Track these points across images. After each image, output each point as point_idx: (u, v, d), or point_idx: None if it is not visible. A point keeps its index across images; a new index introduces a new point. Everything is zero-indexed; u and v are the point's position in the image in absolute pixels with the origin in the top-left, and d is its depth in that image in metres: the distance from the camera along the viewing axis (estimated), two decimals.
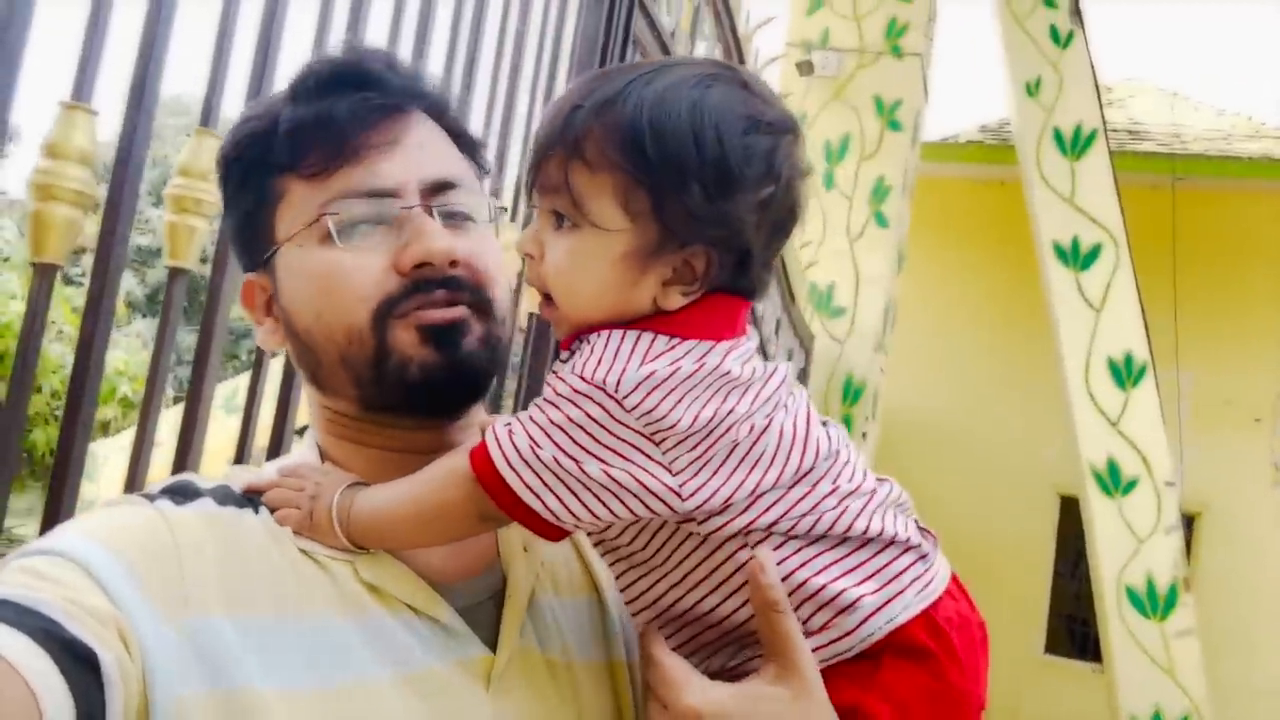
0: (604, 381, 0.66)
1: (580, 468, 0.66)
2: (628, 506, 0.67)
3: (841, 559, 0.71)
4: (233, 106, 1.08)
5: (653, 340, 0.69)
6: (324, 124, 0.74)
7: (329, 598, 0.70)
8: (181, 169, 1.16)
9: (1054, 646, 7.83)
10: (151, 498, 0.70)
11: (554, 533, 0.70)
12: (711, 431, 0.67)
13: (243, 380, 6.25)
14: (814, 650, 0.71)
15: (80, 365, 1.04)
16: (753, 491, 0.69)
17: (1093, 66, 5.80)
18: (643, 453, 0.66)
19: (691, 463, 0.67)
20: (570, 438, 0.67)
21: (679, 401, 0.66)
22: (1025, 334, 7.21)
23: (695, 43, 2.98)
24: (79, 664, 0.56)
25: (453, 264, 0.74)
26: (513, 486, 0.67)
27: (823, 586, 0.70)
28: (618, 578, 0.76)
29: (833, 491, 0.72)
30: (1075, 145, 5.65)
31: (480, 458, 0.69)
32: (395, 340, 0.73)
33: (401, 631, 0.70)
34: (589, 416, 0.66)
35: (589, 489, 0.67)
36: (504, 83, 1.88)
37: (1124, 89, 9.79)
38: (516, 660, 0.74)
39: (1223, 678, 6.12)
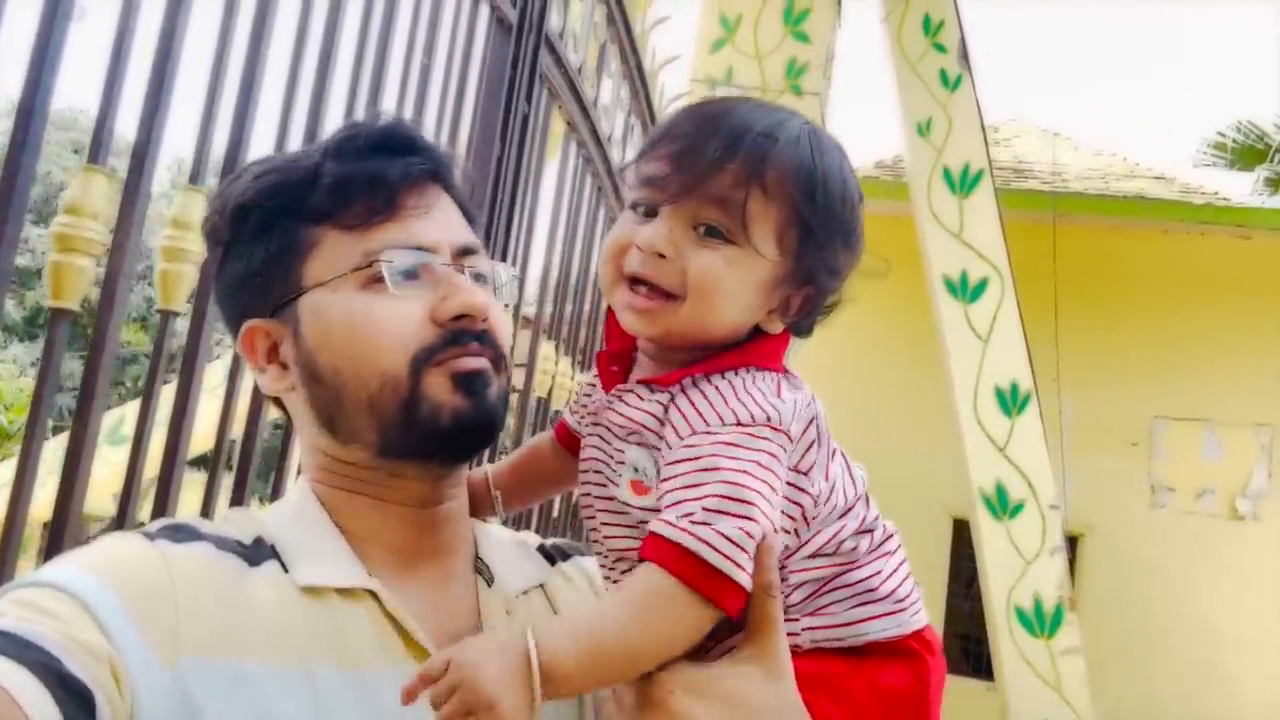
0: (768, 420, 0.72)
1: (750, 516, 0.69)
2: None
3: (891, 570, 0.81)
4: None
5: (762, 376, 0.76)
6: (372, 181, 0.79)
7: (327, 648, 0.70)
8: (172, 221, 1.23)
9: (950, 666, 8.06)
10: (151, 536, 0.72)
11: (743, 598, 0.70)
12: (822, 457, 0.77)
13: (130, 408, 6.00)
14: (824, 635, 0.77)
15: None
16: (842, 505, 0.79)
17: (979, 108, 6.10)
18: (798, 488, 0.75)
19: (821, 493, 0.77)
20: (760, 480, 0.70)
21: (808, 437, 0.76)
22: (917, 361, 7.47)
23: (601, 79, 3.03)
24: (74, 700, 0.57)
25: (484, 319, 0.80)
26: (733, 575, 0.67)
27: (877, 586, 0.79)
28: (602, 528, 0.80)
29: (877, 516, 0.82)
30: (964, 184, 5.92)
31: (709, 581, 0.66)
32: (429, 386, 0.77)
33: (391, 688, 0.68)
34: (770, 454, 0.71)
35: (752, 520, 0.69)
36: (409, 114, 1.87)
37: (1009, 129, 10.31)
38: None
39: (1106, 692, 6.41)
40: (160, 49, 1.21)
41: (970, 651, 8.14)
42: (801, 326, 0.80)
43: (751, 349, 0.76)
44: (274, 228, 0.80)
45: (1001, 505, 5.62)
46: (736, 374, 0.74)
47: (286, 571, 0.73)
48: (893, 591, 0.79)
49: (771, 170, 0.73)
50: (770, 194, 0.73)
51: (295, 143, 1.45)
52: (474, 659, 0.62)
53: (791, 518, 0.74)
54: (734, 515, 0.66)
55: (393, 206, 0.79)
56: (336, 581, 0.74)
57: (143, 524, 0.79)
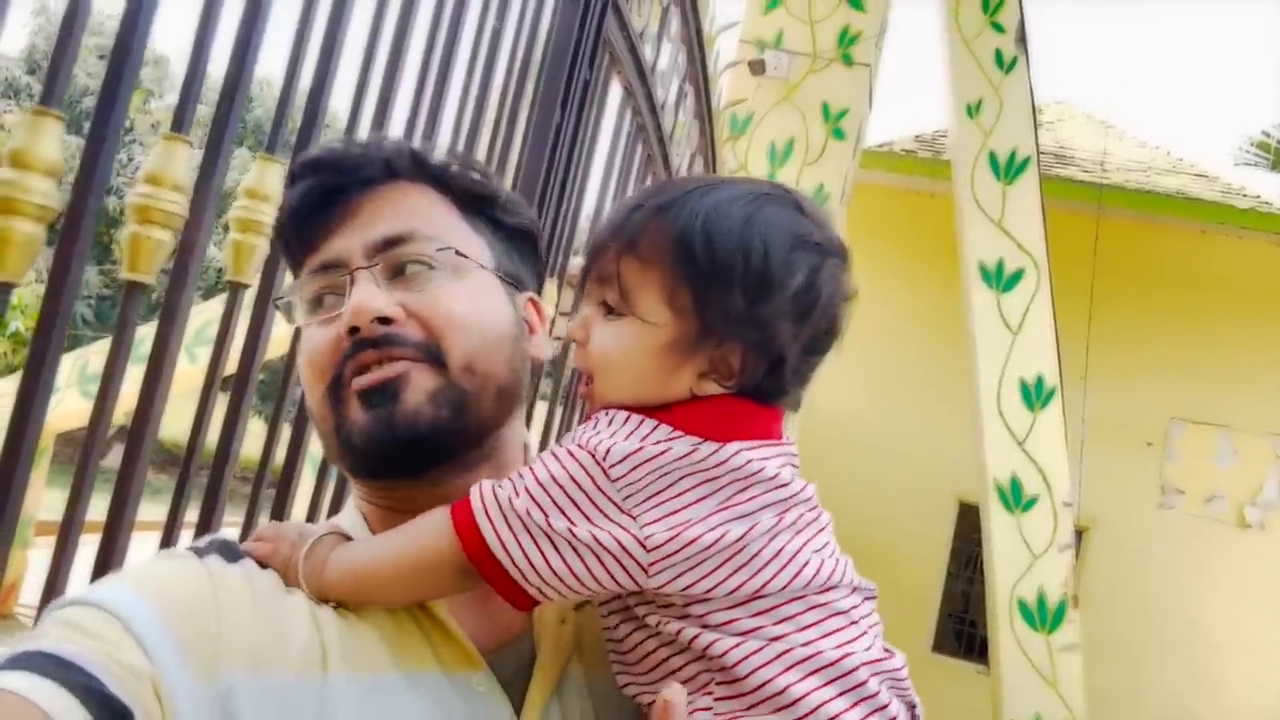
0: (595, 448, 0.69)
1: (548, 520, 0.68)
2: (592, 571, 0.68)
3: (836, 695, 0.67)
4: None
5: (655, 428, 0.71)
6: (292, 215, 0.81)
7: (370, 657, 0.70)
8: (247, 191, 1.20)
9: (940, 645, 8.15)
10: (200, 552, 0.72)
11: (522, 599, 0.70)
12: (693, 515, 0.68)
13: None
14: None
15: None
16: (731, 590, 0.68)
17: (1031, 94, 5.97)
18: (614, 521, 0.68)
19: (665, 542, 0.67)
20: (547, 493, 0.69)
21: (668, 484, 0.68)
22: (940, 343, 7.42)
23: (661, 43, 2.96)
24: None
25: (384, 320, 0.75)
26: (485, 535, 0.69)
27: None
28: (616, 676, 0.76)
29: (816, 624, 0.69)
30: (1009, 170, 5.81)
31: (461, 507, 0.71)
32: (344, 410, 0.76)
33: (437, 692, 0.71)
34: (570, 477, 0.69)
35: (554, 545, 0.68)
36: (477, 81, 1.83)
37: (1054, 111, 10.10)
38: None
39: (1102, 689, 6.47)
40: (247, 12, 1.17)
41: (964, 635, 8.21)
42: (767, 390, 0.74)
43: (678, 409, 0.73)
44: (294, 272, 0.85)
45: (1015, 498, 5.62)
46: (624, 414, 0.73)
47: None
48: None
49: (643, 239, 0.74)
50: (645, 259, 0.74)
51: (369, 111, 1.42)
52: (268, 550, 0.75)
53: (611, 552, 0.68)
54: (515, 492, 0.70)
55: (310, 234, 0.80)
56: None
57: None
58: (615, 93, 2.66)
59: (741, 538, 0.68)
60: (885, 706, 0.68)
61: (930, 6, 6.26)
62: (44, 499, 7.47)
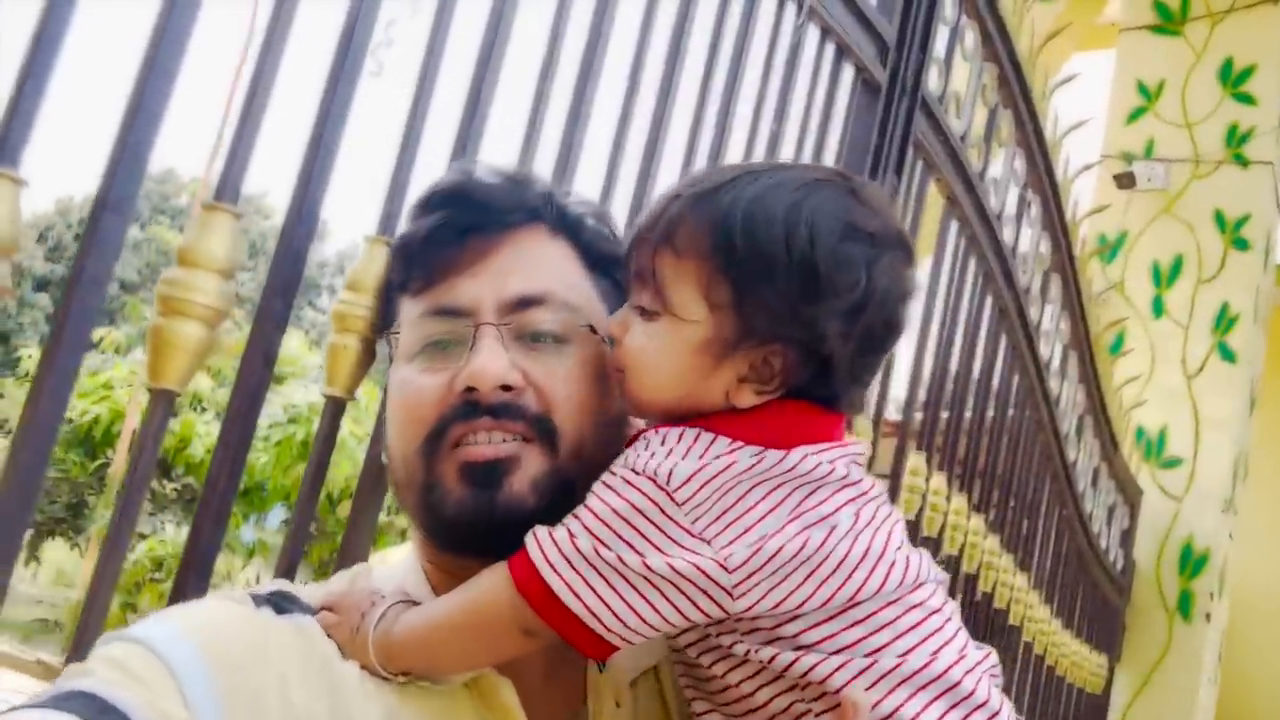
0: (655, 472, 0.65)
1: (620, 559, 0.64)
2: (674, 605, 0.64)
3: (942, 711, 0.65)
4: None
5: (712, 441, 0.67)
6: (420, 243, 0.78)
7: None
8: (351, 282, 1.00)
9: None
10: (259, 601, 0.71)
11: (600, 647, 0.66)
12: (769, 526, 0.64)
13: None
14: None
15: None
16: (825, 600, 0.64)
17: None
18: (688, 548, 0.63)
19: (747, 560, 0.63)
20: (609, 528, 0.65)
21: (737, 498, 0.64)
22: None
23: (990, 147, 2.62)
24: None
25: (506, 389, 0.72)
26: (550, 585, 0.64)
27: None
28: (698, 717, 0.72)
29: (914, 628, 0.66)
30: None
31: (520, 561, 0.67)
32: (440, 471, 0.73)
33: None
34: (634, 507, 0.64)
35: (630, 583, 0.64)
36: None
37: None
38: None
39: None
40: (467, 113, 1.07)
41: None
42: (820, 395, 0.70)
43: (717, 417, 0.69)
44: (390, 301, 0.84)
45: None
46: (677, 431, 0.68)
47: None
48: None
49: (680, 229, 0.70)
50: (681, 251, 0.70)
51: (623, 209, 1.28)
52: (335, 620, 0.71)
53: (692, 581, 0.64)
54: (574, 534, 0.66)
55: (438, 267, 0.77)
56: None
57: None
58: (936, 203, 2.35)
59: (824, 541, 0.65)
60: (989, 707, 0.66)
61: None
62: None
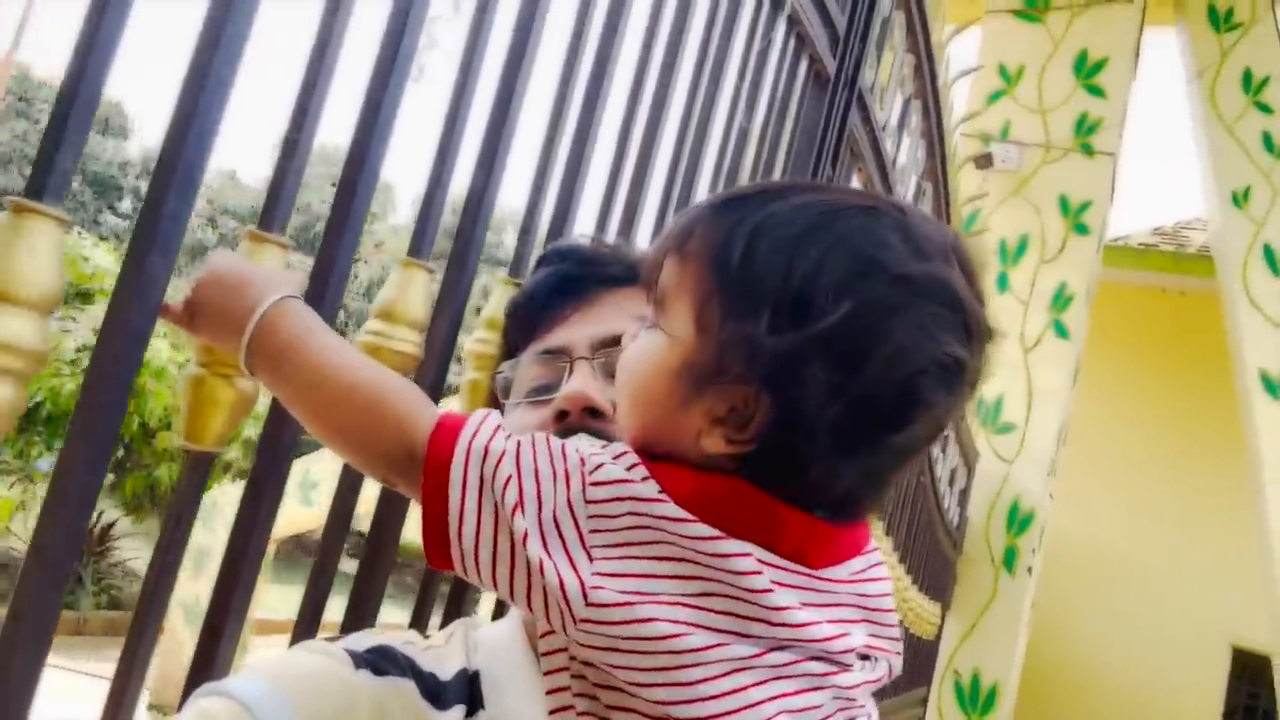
0: (587, 457, 0.60)
1: (511, 513, 0.58)
2: (516, 585, 0.58)
3: None
4: None
5: (659, 493, 0.58)
6: (527, 299, 0.85)
7: None
8: (488, 322, 1.01)
9: None
10: (357, 661, 0.69)
11: (441, 556, 0.60)
12: (660, 588, 0.56)
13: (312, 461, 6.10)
14: None
15: None
16: (656, 700, 0.55)
17: None
18: (568, 554, 0.57)
19: (609, 605, 0.56)
20: (522, 482, 0.59)
21: (647, 539, 0.57)
22: (1210, 462, 6.52)
23: (902, 137, 2.69)
24: None
25: (593, 412, 0.73)
26: (451, 473, 0.60)
27: None
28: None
29: None
30: None
31: (451, 422, 0.62)
32: None
33: None
34: (553, 474, 0.59)
35: (506, 538, 0.58)
36: (724, 177, 1.62)
37: None
38: None
39: None
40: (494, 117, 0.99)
41: None
42: (789, 485, 0.58)
43: (696, 478, 0.60)
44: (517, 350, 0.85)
45: None
46: (636, 458, 0.61)
47: (473, 713, 0.69)
48: None
49: (691, 240, 0.63)
50: (685, 263, 0.63)
51: (619, 206, 1.25)
52: (210, 281, 0.71)
53: (547, 589, 0.58)
54: (503, 453, 0.60)
55: (547, 318, 0.81)
56: None
57: None
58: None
59: (701, 650, 0.55)
60: None
61: (1171, 86, 5.69)
62: (265, 599, 7.77)
